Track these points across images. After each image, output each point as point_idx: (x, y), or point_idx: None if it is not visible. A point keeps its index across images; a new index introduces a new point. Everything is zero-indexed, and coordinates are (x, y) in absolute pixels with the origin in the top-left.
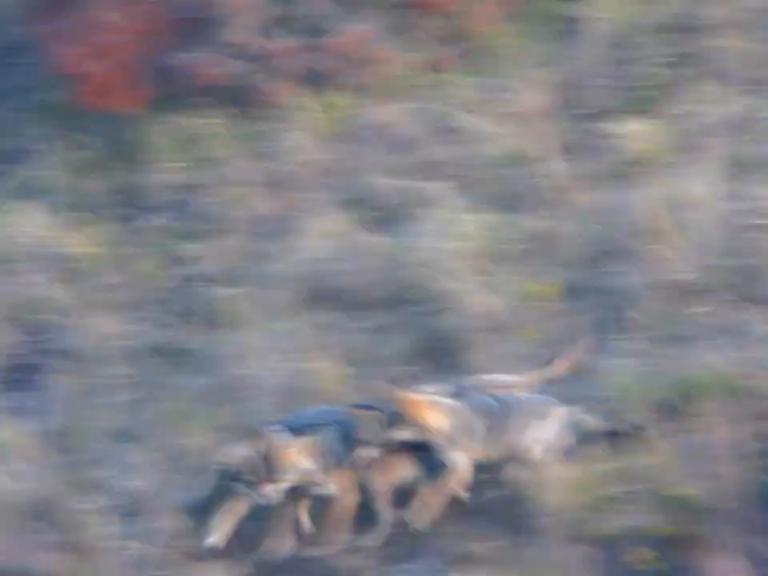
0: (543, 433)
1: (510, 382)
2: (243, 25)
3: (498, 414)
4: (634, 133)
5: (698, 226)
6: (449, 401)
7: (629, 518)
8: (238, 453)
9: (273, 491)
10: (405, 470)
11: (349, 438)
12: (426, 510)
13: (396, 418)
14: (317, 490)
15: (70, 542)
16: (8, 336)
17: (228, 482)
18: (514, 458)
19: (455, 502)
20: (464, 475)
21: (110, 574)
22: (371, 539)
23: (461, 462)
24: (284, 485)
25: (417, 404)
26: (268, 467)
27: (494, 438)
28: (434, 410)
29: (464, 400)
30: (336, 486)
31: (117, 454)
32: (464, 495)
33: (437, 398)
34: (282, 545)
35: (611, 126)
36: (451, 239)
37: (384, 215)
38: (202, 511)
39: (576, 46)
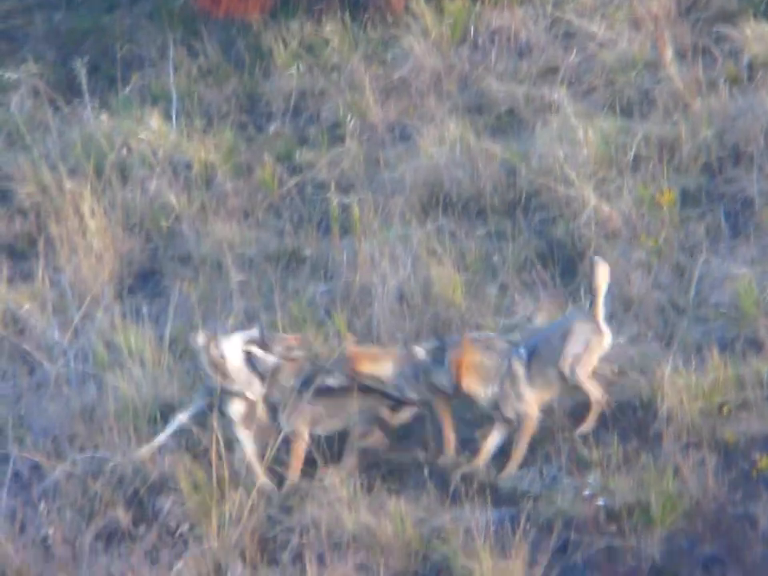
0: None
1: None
2: None
3: (533, 359)
4: (755, 36)
5: None
6: (490, 359)
7: (746, 425)
8: None
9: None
10: None
11: None
12: (512, 462)
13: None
14: None
15: (186, 445)
16: (126, 243)
17: None
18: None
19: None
20: (532, 423)
21: (226, 478)
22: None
23: (526, 412)
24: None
25: (463, 367)
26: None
27: (540, 380)
28: (477, 375)
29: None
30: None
31: None
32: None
33: (485, 358)
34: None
35: (731, 30)
36: (568, 146)
37: (500, 121)
38: None
39: None
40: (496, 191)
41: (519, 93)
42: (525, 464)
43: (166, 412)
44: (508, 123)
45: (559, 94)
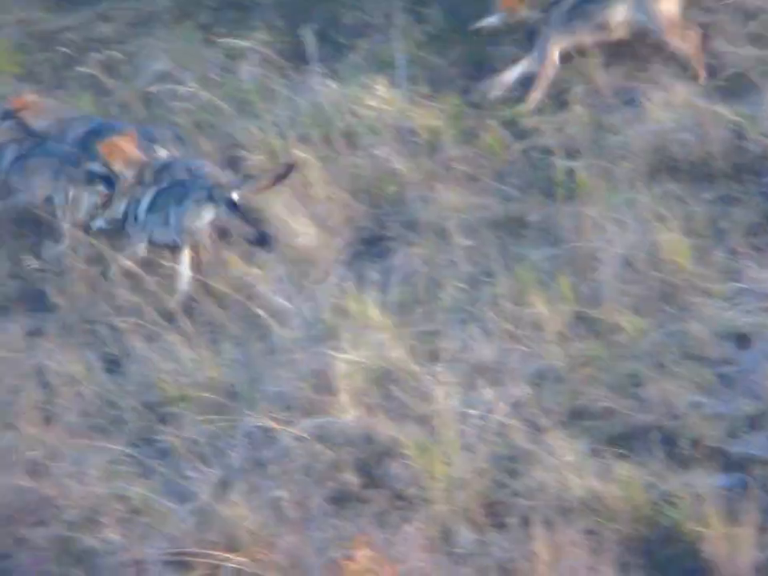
0: None
1: None
2: None
3: None
4: None
5: None
6: None
7: None
8: None
9: None
10: None
11: None
12: None
13: None
14: None
15: (413, 411)
16: (353, 209)
17: None
18: None
19: None
20: None
21: (452, 442)
22: None
23: None
24: None
25: None
26: None
27: None
28: None
29: None
30: None
31: (459, 325)
32: None
33: None
34: None
35: None
36: None
37: (730, 84)
38: None
39: None
40: (724, 155)
41: (749, 55)
42: (755, 428)
43: (391, 378)
44: (737, 86)
45: None
